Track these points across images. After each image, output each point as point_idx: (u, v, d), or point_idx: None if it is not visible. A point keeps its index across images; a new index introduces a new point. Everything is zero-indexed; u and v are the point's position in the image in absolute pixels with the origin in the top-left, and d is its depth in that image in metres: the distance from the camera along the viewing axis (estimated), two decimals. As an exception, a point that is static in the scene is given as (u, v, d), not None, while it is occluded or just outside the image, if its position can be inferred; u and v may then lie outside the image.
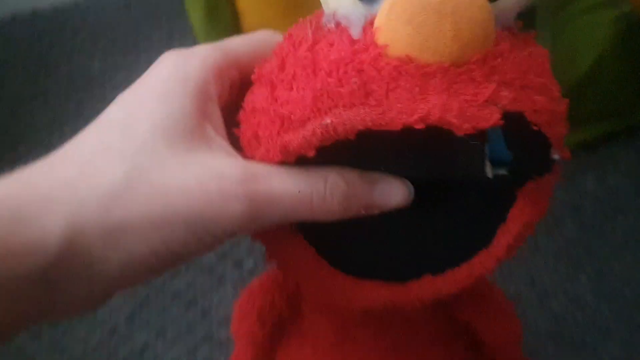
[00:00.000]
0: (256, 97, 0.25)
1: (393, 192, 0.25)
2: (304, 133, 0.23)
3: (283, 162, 0.24)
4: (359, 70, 0.22)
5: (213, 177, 0.23)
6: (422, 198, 0.25)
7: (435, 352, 0.32)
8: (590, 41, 0.51)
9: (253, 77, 0.26)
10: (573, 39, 0.50)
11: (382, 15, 0.21)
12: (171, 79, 0.25)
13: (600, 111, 0.57)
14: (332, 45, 0.23)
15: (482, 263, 0.26)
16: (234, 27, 0.47)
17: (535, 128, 0.22)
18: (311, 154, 0.23)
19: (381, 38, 0.22)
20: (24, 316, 0.23)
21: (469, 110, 0.21)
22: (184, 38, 0.76)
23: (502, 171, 0.24)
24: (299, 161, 0.24)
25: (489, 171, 0.24)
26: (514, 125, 0.22)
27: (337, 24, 0.23)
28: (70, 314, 0.24)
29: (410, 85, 0.21)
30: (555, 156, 0.23)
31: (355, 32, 0.22)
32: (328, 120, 0.22)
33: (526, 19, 0.44)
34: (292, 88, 0.23)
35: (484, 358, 0.33)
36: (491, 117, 0.21)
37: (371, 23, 0.22)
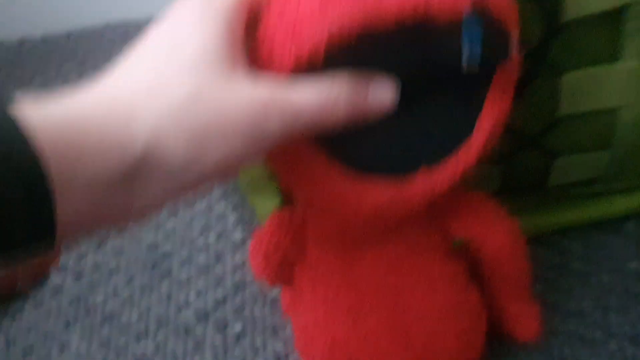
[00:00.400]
0: (268, 21, 0.30)
1: (384, 93, 0.30)
2: (312, 41, 0.28)
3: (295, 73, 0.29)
4: None
5: (254, 98, 0.27)
6: (413, 96, 0.30)
7: (434, 270, 0.36)
8: None
9: (263, 6, 0.31)
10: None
11: None
12: (204, 7, 0.29)
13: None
14: None
15: (467, 152, 0.32)
16: None
17: (497, 18, 0.29)
18: (319, 60, 0.28)
19: None
20: (102, 216, 0.26)
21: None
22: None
23: (474, 67, 0.29)
24: (310, 67, 0.29)
25: (466, 62, 0.29)
26: (481, 14, 0.28)
27: None
28: (139, 218, 0.27)
29: None
30: (513, 44, 0.30)
31: None
32: (333, 25, 0.28)
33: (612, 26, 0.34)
34: (299, 3, 0.29)
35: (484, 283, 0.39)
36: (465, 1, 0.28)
37: None
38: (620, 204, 0.49)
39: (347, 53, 0.28)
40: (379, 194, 0.32)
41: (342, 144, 0.31)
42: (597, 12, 0.38)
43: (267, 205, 0.46)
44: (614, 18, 0.39)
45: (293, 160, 0.32)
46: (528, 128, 0.42)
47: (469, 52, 0.28)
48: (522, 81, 0.40)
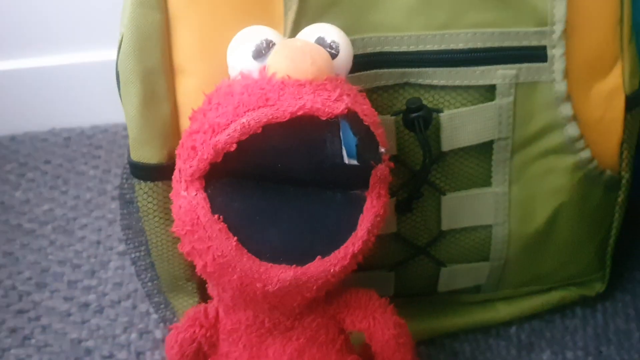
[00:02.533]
0: (192, 125, 0.39)
1: None
2: (228, 131, 0.36)
3: (214, 161, 0.37)
4: (260, 87, 0.37)
5: None
6: (307, 194, 0.38)
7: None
8: (547, 191, 0.48)
9: (189, 117, 0.39)
10: (530, 187, 0.48)
11: (271, 57, 0.38)
12: None
13: (556, 275, 0.54)
14: (242, 79, 0.38)
15: (353, 243, 0.39)
16: (173, 122, 0.44)
17: (366, 124, 0.38)
18: (233, 148, 0.36)
19: (271, 70, 0.38)
20: None
21: (327, 103, 0.37)
22: (120, 177, 0.73)
23: (354, 161, 0.37)
24: (225, 159, 0.37)
25: (345, 157, 0.37)
26: (353, 118, 0.37)
27: (242, 75, 0.39)
28: None
29: (291, 92, 0.37)
30: (382, 149, 0.39)
31: (255, 75, 0.38)
32: (244, 120, 0.36)
33: (483, 155, 0.42)
34: (218, 109, 0.37)
35: None
36: (340, 106, 0.37)
37: (262, 70, 0.38)
38: (503, 311, 0.55)
39: (255, 141, 0.36)
40: (283, 274, 0.38)
41: (249, 232, 0.37)
42: (470, 145, 0.45)
43: (185, 304, 0.50)
44: (485, 149, 0.46)
45: (207, 246, 0.37)
46: (417, 239, 0.49)
47: (346, 145, 0.36)
48: (410, 199, 0.47)
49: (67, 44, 0.78)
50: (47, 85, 0.80)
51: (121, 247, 0.65)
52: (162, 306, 0.55)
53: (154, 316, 0.58)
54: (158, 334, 0.57)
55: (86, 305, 0.60)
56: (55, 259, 0.64)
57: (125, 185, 0.48)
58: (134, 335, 0.57)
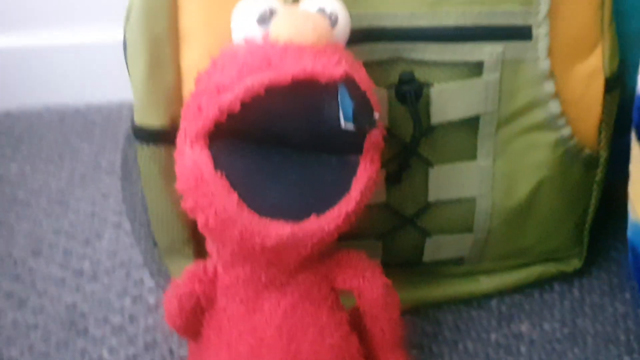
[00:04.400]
0: (198, 87, 0.41)
1: None
2: (233, 92, 0.38)
3: (218, 120, 0.39)
4: (264, 51, 0.39)
5: None
6: (305, 153, 0.40)
7: (322, 318, 0.44)
8: (529, 166, 0.51)
9: (195, 79, 0.41)
10: (513, 161, 0.50)
11: (274, 23, 0.40)
12: None
13: (535, 250, 0.56)
14: (246, 44, 0.40)
15: (346, 203, 0.41)
16: (176, 88, 0.46)
17: (362, 89, 0.40)
18: (237, 108, 0.38)
19: (274, 35, 0.40)
20: None
21: (327, 67, 0.39)
22: (114, 153, 0.75)
23: (350, 125, 0.39)
24: (229, 120, 0.38)
25: (342, 120, 0.39)
26: (351, 83, 0.39)
27: (246, 40, 0.41)
28: None
29: (293, 56, 0.39)
30: (376, 115, 0.40)
31: (259, 40, 0.40)
32: (247, 81, 0.38)
33: (469, 130, 0.46)
34: (222, 71, 0.39)
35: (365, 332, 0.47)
36: (339, 71, 0.39)
37: (266, 35, 0.40)
38: (485, 284, 0.57)
39: (257, 103, 0.38)
40: (280, 230, 0.40)
41: (249, 189, 0.39)
42: (457, 119, 0.48)
43: (183, 267, 0.52)
44: (471, 124, 0.49)
45: (211, 200, 0.39)
46: (405, 209, 0.51)
47: (343, 108, 0.38)
48: (399, 170, 0.49)
49: (62, 21, 0.79)
50: (41, 63, 0.81)
51: (115, 219, 0.67)
52: (158, 273, 0.56)
53: (148, 284, 0.60)
54: (151, 299, 0.59)
55: (81, 272, 0.62)
56: (50, 229, 0.66)
57: (127, 150, 0.49)
58: (127, 301, 0.59)
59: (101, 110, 0.82)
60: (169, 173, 0.46)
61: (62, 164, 0.74)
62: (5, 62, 0.81)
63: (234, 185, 0.39)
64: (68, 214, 0.68)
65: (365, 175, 0.41)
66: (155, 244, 0.53)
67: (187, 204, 0.40)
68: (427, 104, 0.47)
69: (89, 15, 0.78)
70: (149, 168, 0.47)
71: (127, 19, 0.45)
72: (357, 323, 0.46)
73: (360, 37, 0.45)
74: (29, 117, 0.81)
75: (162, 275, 0.57)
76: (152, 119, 0.45)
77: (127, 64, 0.46)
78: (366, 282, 0.44)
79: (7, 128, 0.80)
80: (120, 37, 0.47)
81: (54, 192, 0.70)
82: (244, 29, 0.40)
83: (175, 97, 0.45)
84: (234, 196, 0.39)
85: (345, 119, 0.38)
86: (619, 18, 0.50)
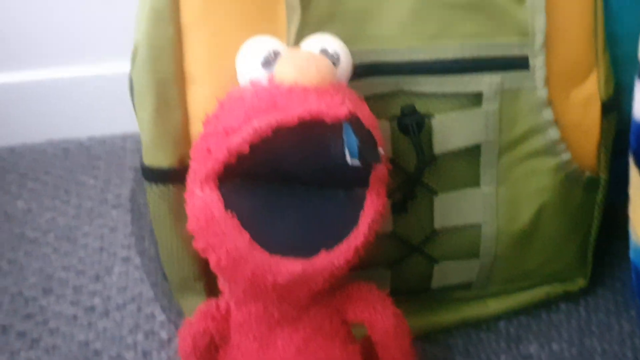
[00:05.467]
0: (206, 129, 0.42)
1: None
2: (241, 134, 0.39)
3: (228, 162, 0.40)
4: (270, 93, 0.40)
5: None
6: (313, 191, 0.41)
7: (335, 352, 0.45)
8: (531, 191, 0.52)
9: (203, 121, 0.43)
10: (515, 187, 0.51)
11: (279, 66, 0.41)
12: None
13: (541, 272, 0.57)
14: (252, 86, 0.42)
15: (355, 237, 0.42)
16: (184, 128, 0.46)
17: (366, 126, 0.40)
18: (246, 150, 0.39)
19: (279, 77, 0.41)
20: None
21: (332, 107, 0.40)
22: (120, 186, 0.76)
23: (356, 162, 0.40)
24: (238, 160, 0.39)
25: (348, 157, 0.40)
26: (355, 121, 0.40)
27: (252, 82, 0.42)
28: None
29: (298, 97, 0.40)
30: (381, 150, 0.41)
31: (264, 82, 0.42)
32: (255, 123, 0.39)
33: (471, 158, 0.46)
34: (230, 113, 0.41)
35: None
36: (343, 110, 0.40)
37: (271, 78, 0.41)
38: (492, 306, 0.58)
39: (265, 143, 0.39)
40: (291, 267, 0.40)
41: (259, 228, 0.40)
42: (459, 148, 0.49)
43: (194, 303, 0.53)
44: (473, 152, 0.50)
45: (222, 240, 0.40)
46: (412, 237, 0.52)
47: (348, 146, 0.39)
48: (405, 199, 0.50)
49: (63, 56, 0.79)
50: (43, 97, 0.81)
51: (124, 253, 0.67)
52: (169, 308, 0.57)
53: (159, 318, 0.61)
54: (164, 334, 0.59)
55: (92, 308, 0.62)
56: (60, 266, 0.66)
57: (136, 190, 0.50)
58: (140, 336, 0.59)
59: (105, 143, 0.82)
60: (178, 211, 0.47)
61: (68, 199, 0.75)
62: (7, 98, 0.81)
63: (244, 224, 0.40)
64: (77, 250, 0.68)
65: (372, 209, 0.42)
66: (165, 277, 0.54)
67: (198, 244, 0.41)
68: (429, 135, 0.48)
69: (89, 49, 0.79)
70: (158, 207, 0.48)
71: (133, 62, 0.46)
72: (369, 353, 0.47)
73: (361, 72, 0.46)
74: (33, 152, 0.82)
75: (173, 309, 0.57)
76: (160, 160, 0.46)
77: (134, 105, 0.47)
78: (377, 313, 0.45)
79: (11, 164, 0.81)
80: (119, 70, 0.48)
81: (62, 228, 0.71)
82: (249, 71, 0.41)
83: (183, 137, 0.46)
84: (246, 235, 0.40)
85: (351, 155, 0.39)
86: (612, 42, 0.51)
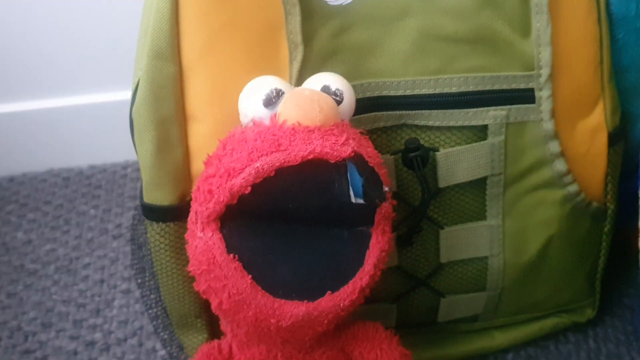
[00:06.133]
0: (208, 170, 0.41)
1: None
2: (243, 175, 0.38)
3: (230, 203, 0.39)
4: (272, 134, 0.39)
5: None
6: (317, 232, 0.41)
7: None
8: (538, 223, 0.51)
9: (204, 162, 0.42)
10: (522, 220, 0.51)
11: (282, 105, 0.40)
12: None
13: (548, 303, 0.56)
14: (254, 126, 0.41)
15: (360, 278, 0.41)
16: (185, 167, 0.46)
17: (370, 165, 0.40)
18: (248, 191, 0.39)
19: (282, 117, 0.40)
20: None
21: (335, 147, 0.39)
22: (121, 216, 0.75)
23: (360, 200, 0.39)
24: (240, 201, 0.39)
25: (353, 196, 0.39)
26: (359, 160, 0.40)
27: (254, 122, 0.41)
28: None
29: (301, 138, 0.39)
30: (386, 188, 0.41)
31: (266, 122, 0.41)
32: (258, 164, 0.38)
33: (477, 191, 0.45)
34: (232, 154, 0.40)
35: None
36: (347, 150, 0.39)
37: (273, 117, 0.41)
38: (500, 338, 0.57)
39: (268, 184, 0.38)
40: (295, 310, 0.39)
41: (262, 270, 0.39)
42: (465, 181, 0.48)
43: (195, 340, 0.52)
44: (479, 185, 0.49)
45: (224, 284, 0.39)
46: (418, 271, 0.51)
47: (353, 185, 0.39)
48: (410, 233, 0.49)
49: (63, 85, 0.79)
50: (43, 127, 0.81)
51: (125, 286, 0.66)
52: (170, 343, 0.56)
53: (161, 353, 0.60)
54: (165, 370, 0.58)
55: (92, 343, 0.61)
56: (60, 299, 0.66)
57: (137, 227, 0.49)
58: (141, 372, 0.59)
59: (105, 171, 0.82)
60: (179, 248, 0.47)
61: (68, 230, 0.74)
62: (7, 127, 0.81)
63: (247, 267, 0.39)
64: (77, 282, 0.67)
65: (377, 248, 0.41)
66: (166, 311, 0.53)
67: (199, 286, 0.40)
68: (434, 168, 0.47)
69: (88, 78, 0.79)
70: (159, 244, 0.47)
71: (133, 98, 0.45)
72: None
73: (364, 106, 0.45)
74: (33, 181, 0.81)
75: (174, 344, 0.56)
76: (160, 198, 0.46)
77: (134, 143, 0.46)
78: (384, 354, 0.44)
79: (11, 194, 0.80)
80: (120, 97, 0.47)
81: (62, 260, 0.70)
82: (251, 111, 0.40)
83: (184, 175, 0.45)
84: (248, 279, 0.39)
85: (356, 195, 0.39)
86: (618, 72, 0.51)
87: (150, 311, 0.54)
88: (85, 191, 0.80)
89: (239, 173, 0.38)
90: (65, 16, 0.74)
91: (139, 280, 0.55)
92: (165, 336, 0.57)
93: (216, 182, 0.39)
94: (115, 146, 0.80)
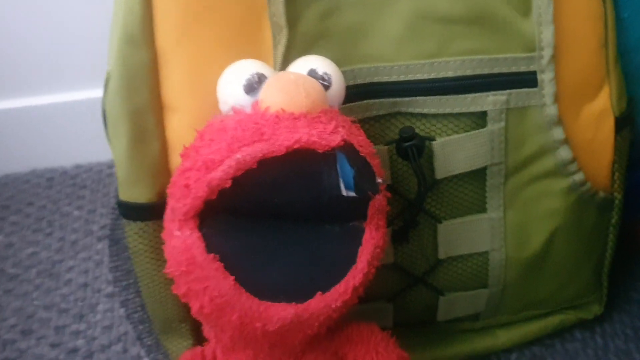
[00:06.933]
0: (184, 163, 0.37)
1: None
2: (223, 168, 0.35)
3: (208, 198, 0.35)
4: (254, 122, 0.36)
5: None
6: (305, 228, 0.37)
7: None
8: (542, 215, 0.48)
9: (181, 154, 0.38)
10: (524, 212, 0.48)
11: (264, 91, 0.37)
12: None
13: (553, 299, 0.54)
14: (234, 114, 0.37)
15: (353, 277, 0.38)
16: (162, 160, 0.43)
17: (362, 155, 0.37)
18: (228, 185, 0.35)
19: (264, 103, 0.37)
20: None
21: (323, 135, 0.36)
22: (106, 216, 0.73)
23: (352, 193, 0.36)
24: (220, 196, 0.35)
25: (343, 189, 0.36)
26: (350, 150, 0.37)
27: (234, 110, 0.38)
28: None
29: (286, 126, 0.36)
30: (379, 180, 0.38)
31: (248, 110, 0.38)
32: (238, 155, 0.35)
33: (477, 182, 0.42)
34: (211, 145, 0.36)
35: None
36: (336, 139, 0.36)
37: (255, 104, 0.37)
38: (502, 337, 0.54)
39: (250, 176, 0.35)
40: (283, 313, 0.36)
41: (246, 271, 0.36)
42: (463, 172, 0.45)
43: (179, 346, 0.49)
44: (478, 175, 0.46)
45: (207, 286, 0.36)
46: (415, 268, 0.48)
47: (343, 177, 0.36)
48: (406, 228, 0.46)
49: (45, 84, 0.77)
50: (26, 125, 0.79)
51: (109, 289, 0.64)
52: (154, 349, 0.53)
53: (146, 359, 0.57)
54: (151, 377, 0.55)
55: (75, 351, 0.58)
56: (41, 304, 0.63)
57: (114, 226, 0.47)
58: (126, 380, 0.56)
59: (91, 171, 0.80)
60: (159, 249, 0.44)
61: (51, 232, 0.71)
62: (-12, 127, 0.79)
63: (229, 268, 0.36)
64: (59, 286, 0.64)
65: (371, 244, 0.38)
66: (149, 319, 0.50)
67: (179, 289, 0.37)
68: (431, 158, 0.45)
69: (72, 75, 0.77)
70: (137, 245, 0.44)
71: (105, 90, 0.42)
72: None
73: (355, 93, 0.42)
74: (16, 182, 0.79)
75: (160, 350, 0.53)
76: (137, 195, 0.43)
77: (108, 138, 0.43)
78: (380, 357, 0.41)
79: (-7, 195, 0.78)
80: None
81: (44, 263, 0.67)
82: (231, 98, 0.37)
83: (162, 170, 0.42)
84: (230, 280, 0.36)
85: (346, 187, 0.36)
86: (623, 54, 0.48)
87: (133, 318, 0.51)
88: (69, 192, 0.77)
89: (218, 165, 0.35)
90: (48, 13, 0.72)
91: (123, 284, 0.52)
92: (150, 342, 0.54)
93: (193, 175, 0.36)
94: (101, 145, 0.77)
